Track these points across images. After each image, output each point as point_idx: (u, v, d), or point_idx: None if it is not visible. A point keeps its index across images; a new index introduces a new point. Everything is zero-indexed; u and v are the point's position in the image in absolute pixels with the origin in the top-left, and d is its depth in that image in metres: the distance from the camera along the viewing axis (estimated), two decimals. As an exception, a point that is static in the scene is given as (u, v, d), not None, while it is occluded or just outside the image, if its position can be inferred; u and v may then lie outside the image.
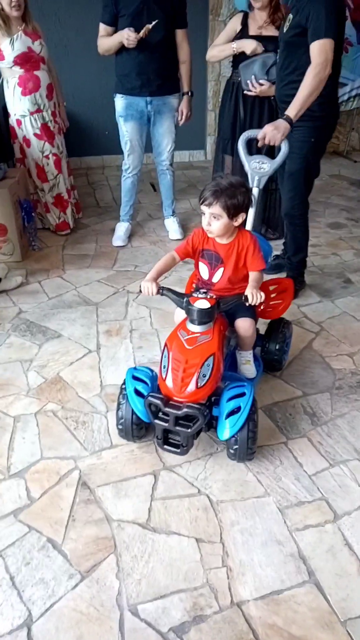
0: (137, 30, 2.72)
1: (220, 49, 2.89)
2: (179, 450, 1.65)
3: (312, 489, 1.69)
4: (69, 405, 2.05)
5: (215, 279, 1.83)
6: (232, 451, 1.70)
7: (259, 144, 2.20)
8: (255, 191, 2.09)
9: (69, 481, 1.71)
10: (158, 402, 1.58)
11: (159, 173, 3.40)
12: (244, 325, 1.82)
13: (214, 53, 2.95)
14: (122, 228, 3.46)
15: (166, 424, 1.59)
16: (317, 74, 2.05)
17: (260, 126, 2.24)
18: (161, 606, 1.36)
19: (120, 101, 3.03)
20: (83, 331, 2.51)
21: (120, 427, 1.79)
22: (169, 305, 2.70)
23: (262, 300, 1.67)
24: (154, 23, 2.69)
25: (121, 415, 1.76)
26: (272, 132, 2.13)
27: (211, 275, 1.83)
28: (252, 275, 1.77)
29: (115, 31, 2.83)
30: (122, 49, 2.83)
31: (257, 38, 2.76)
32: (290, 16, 2.16)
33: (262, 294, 1.67)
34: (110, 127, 3.19)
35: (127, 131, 3.10)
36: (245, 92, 2.84)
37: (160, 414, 1.62)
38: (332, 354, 2.34)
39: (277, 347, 2.10)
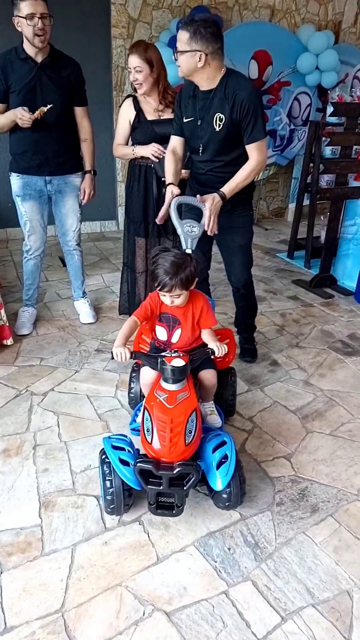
0: (31, 108, 2.49)
1: (122, 153, 2.82)
2: (174, 512, 1.65)
3: (265, 661, 1.36)
4: None
5: (174, 339, 1.88)
6: (225, 502, 1.71)
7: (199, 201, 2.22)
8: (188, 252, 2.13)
9: None
10: (150, 466, 1.58)
11: (65, 253, 3.10)
12: (207, 376, 1.92)
13: (119, 155, 2.89)
14: (26, 314, 3.07)
15: (160, 487, 1.60)
16: (257, 169, 2.24)
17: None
18: None
19: (16, 181, 2.74)
20: (-26, 453, 2.06)
21: (109, 503, 1.71)
22: (80, 410, 2.36)
23: (225, 352, 1.78)
24: (49, 107, 2.49)
25: (111, 489, 1.69)
26: (216, 204, 2.20)
27: (169, 336, 1.89)
28: (208, 332, 1.87)
29: (7, 107, 2.58)
30: (16, 127, 2.57)
31: (157, 122, 2.65)
32: (221, 116, 2.16)
33: (225, 346, 1.79)
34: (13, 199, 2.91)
35: (25, 212, 2.80)
36: (163, 179, 2.70)
37: (150, 479, 1.61)
38: (268, 458, 2.09)
39: (230, 394, 2.23)
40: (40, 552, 1.65)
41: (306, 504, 1.86)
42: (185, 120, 2.31)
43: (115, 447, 1.72)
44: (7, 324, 2.81)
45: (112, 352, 1.74)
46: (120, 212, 5.00)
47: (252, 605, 1.50)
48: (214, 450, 1.70)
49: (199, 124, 2.25)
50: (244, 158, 2.26)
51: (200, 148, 2.30)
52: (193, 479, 1.60)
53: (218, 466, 1.66)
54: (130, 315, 3.10)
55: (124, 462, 1.67)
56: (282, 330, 3.18)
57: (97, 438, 2.16)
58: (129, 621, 1.45)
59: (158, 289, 1.74)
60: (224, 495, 1.70)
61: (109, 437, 1.79)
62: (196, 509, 1.82)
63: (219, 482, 1.65)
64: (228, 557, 1.65)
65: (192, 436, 1.64)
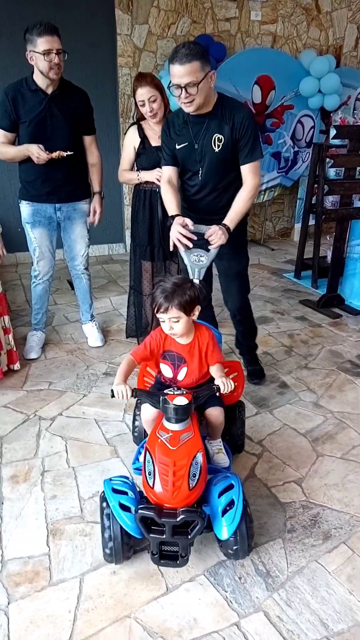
0: (41, 138, 2.57)
1: (128, 178, 2.87)
2: (178, 562, 1.55)
3: None
4: None
5: (180, 377, 1.81)
6: (231, 551, 1.60)
7: (207, 237, 2.18)
8: (196, 282, 2.07)
9: None
10: (151, 513, 1.47)
11: (74, 277, 3.14)
12: (215, 413, 1.82)
13: (124, 180, 2.94)
14: (34, 338, 3.09)
15: (163, 536, 1.50)
16: (254, 195, 2.22)
17: None
18: None
19: (25, 208, 2.79)
20: (-18, 480, 2.05)
21: (109, 551, 1.60)
22: (88, 435, 2.35)
23: (232, 388, 1.68)
24: (68, 153, 2.58)
25: (109, 536, 1.59)
26: (220, 234, 2.13)
27: (175, 374, 1.81)
28: (216, 367, 1.78)
29: (17, 137, 2.65)
30: (27, 157, 2.63)
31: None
32: (220, 137, 2.16)
33: (232, 382, 1.69)
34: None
35: (35, 238, 2.84)
36: None
37: (153, 526, 1.51)
38: (279, 482, 2.06)
39: (238, 430, 2.13)
40: (48, 582, 1.63)
41: (318, 530, 1.83)
42: (178, 147, 2.26)
43: (116, 491, 1.62)
44: (15, 349, 2.83)
45: (112, 390, 1.66)
46: (128, 235, 5.04)
47: (264, 638, 1.46)
48: (220, 495, 1.60)
49: (195, 147, 2.22)
50: (237, 185, 2.25)
51: (200, 171, 2.27)
52: (198, 526, 1.50)
53: (224, 513, 1.56)
54: (136, 337, 3.18)
55: (125, 508, 1.57)
56: (290, 351, 3.17)
57: (105, 463, 2.15)
58: (138, 654, 1.42)
59: (155, 310, 1.68)
60: (230, 545, 1.59)
61: (110, 480, 1.69)
62: (206, 537, 1.77)
63: (224, 530, 1.55)
64: (239, 586, 1.61)
65: (196, 480, 1.54)
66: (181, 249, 2.15)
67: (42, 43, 2.40)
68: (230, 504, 1.57)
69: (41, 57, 2.42)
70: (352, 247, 3.90)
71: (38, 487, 2.02)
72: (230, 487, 1.61)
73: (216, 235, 2.13)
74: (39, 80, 2.55)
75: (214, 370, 1.78)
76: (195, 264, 2.11)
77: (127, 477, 1.72)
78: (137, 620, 1.51)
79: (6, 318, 2.75)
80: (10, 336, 2.79)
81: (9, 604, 1.56)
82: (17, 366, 2.84)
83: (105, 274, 4.59)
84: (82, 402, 2.60)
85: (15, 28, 4.01)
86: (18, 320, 3.51)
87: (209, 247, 2.15)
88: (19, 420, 2.44)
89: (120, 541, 1.58)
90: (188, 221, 2.14)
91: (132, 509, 1.56)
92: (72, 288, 3.45)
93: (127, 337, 3.26)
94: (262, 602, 1.56)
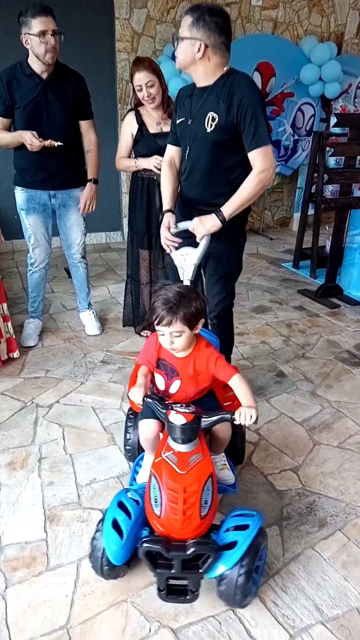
0: (36, 124, 2.53)
1: (125, 166, 2.84)
2: (188, 597, 1.43)
3: None
4: None
5: (172, 390, 1.64)
6: (220, 589, 1.44)
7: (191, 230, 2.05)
8: (187, 284, 1.97)
9: None
10: (158, 547, 1.34)
11: (71, 265, 3.12)
12: (223, 428, 1.67)
13: (122, 167, 2.90)
14: (31, 326, 3.08)
15: (172, 571, 1.37)
16: (262, 179, 1.92)
17: None
18: None
19: (20, 194, 2.76)
20: (-21, 466, 2.06)
21: (92, 558, 1.51)
22: (85, 422, 2.35)
23: (253, 420, 1.43)
24: (59, 144, 2.53)
25: (95, 546, 1.48)
26: (197, 224, 1.98)
27: (167, 386, 1.64)
28: (236, 383, 1.54)
29: (12, 122, 2.61)
30: (21, 144, 2.60)
31: (159, 135, 2.66)
32: (214, 115, 1.91)
33: (254, 413, 1.43)
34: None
35: (30, 225, 2.81)
36: None
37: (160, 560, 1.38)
38: (275, 470, 2.07)
39: (239, 440, 2.02)
40: (45, 567, 1.64)
41: (314, 518, 1.84)
42: (177, 122, 2.08)
43: (121, 506, 1.47)
44: (14, 337, 2.82)
45: (129, 391, 1.55)
46: (126, 223, 5.01)
47: (260, 623, 1.47)
48: (228, 530, 1.45)
49: (189, 123, 1.99)
50: (237, 175, 2.00)
51: (187, 150, 2.04)
52: (210, 560, 1.37)
53: (224, 548, 1.40)
54: (133, 326, 3.18)
55: (117, 529, 1.42)
56: (288, 340, 3.17)
57: (102, 450, 2.16)
58: (134, 638, 1.43)
59: (156, 322, 1.48)
60: (220, 588, 1.43)
61: (126, 491, 1.54)
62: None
63: (216, 568, 1.39)
64: (235, 572, 1.62)
65: (207, 507, 1.40)
66: (170, 251, 2.06)
67: (36, 24, 2.36)
68: (232, 544, 1.41)
69: (37, 40, 2.38)
70: (351, 236, 3.89)
71: (35, 474, 2.02)
72: (243, 527, 1.43)
73: (196, 227, 1.96)
74: (34, 64, 2.50)
75: (235, 387, 1.55)
76: (182, 262, 1.98)
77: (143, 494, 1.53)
78: (133, 604, 1.52)
79: (4, 305, 2.73)
80: (9, 324, 2.77)
81: (6, 588, 1.57)
82: (16, 354, 2.83)
83: (102, 262, 4.57)
84: (80, 390, 2.60)
85: (11, 12, 3.94)
86: (15, 307, 3.49)
87: (197, 241, 2.00)
88: (16, 407, 2.44)
89: (99, 561, 1.46)
90: (171, 221, 2.06)
91: (125, 534, 1.41)
92: (69, 276, 3.43)
93: (124, 326, 3.25)
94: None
